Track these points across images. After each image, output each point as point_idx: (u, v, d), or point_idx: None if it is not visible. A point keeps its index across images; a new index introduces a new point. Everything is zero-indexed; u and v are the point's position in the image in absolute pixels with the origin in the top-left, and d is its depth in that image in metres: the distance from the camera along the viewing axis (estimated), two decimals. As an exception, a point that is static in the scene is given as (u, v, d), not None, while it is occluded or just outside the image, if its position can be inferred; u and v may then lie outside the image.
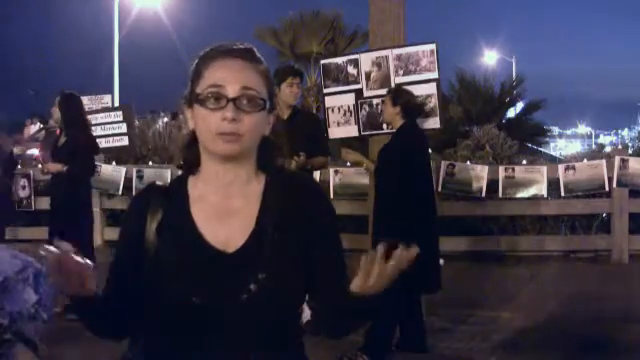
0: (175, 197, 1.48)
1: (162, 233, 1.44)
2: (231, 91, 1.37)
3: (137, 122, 11.07)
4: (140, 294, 1.44)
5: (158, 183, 1.54)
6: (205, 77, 1.41)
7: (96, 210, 7.86)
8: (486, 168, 7.48)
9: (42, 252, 1.31)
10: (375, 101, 5.17)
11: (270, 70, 1.50)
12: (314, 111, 11.53)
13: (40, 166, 7.25)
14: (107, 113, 8.69)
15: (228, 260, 1.41)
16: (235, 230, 1.43)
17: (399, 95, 4.50)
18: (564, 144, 40.61)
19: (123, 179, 8.31)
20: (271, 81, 1.48)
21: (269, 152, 1.50)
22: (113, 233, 8.61)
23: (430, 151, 5.14)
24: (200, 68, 1.43)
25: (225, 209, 1.45)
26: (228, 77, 1.39)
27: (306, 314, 1.51)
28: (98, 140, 6.28)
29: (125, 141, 8.53)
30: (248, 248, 1.42)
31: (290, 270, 1.42)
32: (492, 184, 7.40)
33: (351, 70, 5.28)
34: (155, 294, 1.42)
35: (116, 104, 12.51)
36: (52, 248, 1.32)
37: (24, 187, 8.70)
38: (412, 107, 4.50)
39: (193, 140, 1.46)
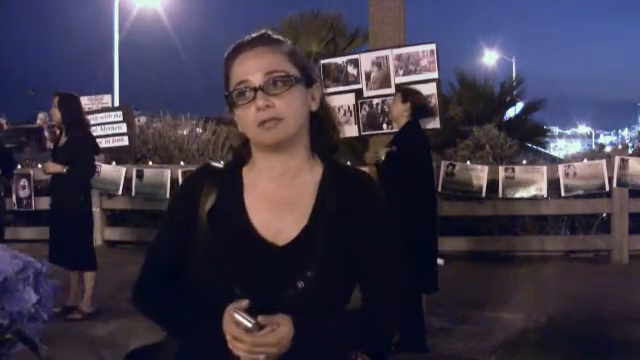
0: (229, 182, 1.44)
1: (213, 217, 1.40)
2: (255, 81, 1.36)
3: (138, 122, 11.06)
4: (177, 274, 1.41)
5: (214, 164, 1.50)
6: (231, 77, 1.40)
7: (96, 210, 7.86)
8: (486, 168, 7.48)
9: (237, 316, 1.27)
10: (375, 101, 5.17)
11: (295, 46, 1.45)
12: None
13: (40, 166, 7.25)
14: (107, 113, 8.68)
15: (277, 253, 1.36)
16: (287, 223, 1.39)
17: (410, 92, 4.56)
18: (564, 144, 40.61)
19: (123, 179, 8.30)
20: (299, 56, 1.43)
21: (322, 130, 1.46)
22: (113, 233, 8.61)
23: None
24: (227, 71, 1.42)
25: (278, 200, 1.41)
26: (249, 69, 1.37)
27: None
28: (98, 140, 6.28)
29: (125, 141, 8.51)
30: (299, 243, 1.37)
31: (339, 270, 1.37)
32: (492, 184, 7.39)
33: (351, 70, 5.28)
34: (199, 278, 1.38)
35: (116, 104, 12.53)
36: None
37: (24, 187, 8.70)
38: (421, 106, 4.55)
39: (246, 141, 1.45)
